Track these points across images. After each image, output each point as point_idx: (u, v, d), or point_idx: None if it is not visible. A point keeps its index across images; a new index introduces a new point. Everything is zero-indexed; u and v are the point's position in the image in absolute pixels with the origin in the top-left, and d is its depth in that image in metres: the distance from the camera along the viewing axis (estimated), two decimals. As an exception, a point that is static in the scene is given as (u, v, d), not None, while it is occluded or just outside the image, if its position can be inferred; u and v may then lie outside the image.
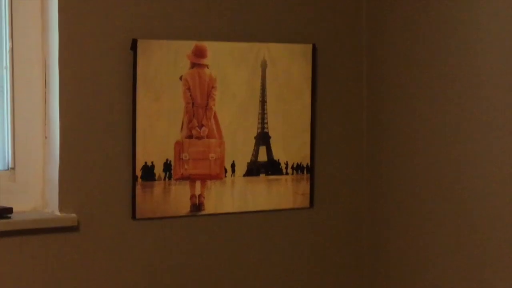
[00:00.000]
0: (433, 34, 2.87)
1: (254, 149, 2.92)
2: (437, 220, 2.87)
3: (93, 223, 2.66)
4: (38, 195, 2.68)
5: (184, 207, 2.80)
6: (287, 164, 2.97)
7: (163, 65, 2.74)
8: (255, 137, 2.92)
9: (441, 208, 2.85)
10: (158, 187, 2.75)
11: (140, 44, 2.69)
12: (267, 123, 2.93)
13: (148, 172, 2.73)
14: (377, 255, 3.10)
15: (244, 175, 2.90)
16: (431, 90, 2.88)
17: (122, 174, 2.70)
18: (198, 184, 2.82)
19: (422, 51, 2.90)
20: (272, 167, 2.95)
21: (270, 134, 2.94)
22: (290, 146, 2.98)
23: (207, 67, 2.82)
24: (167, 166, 2.77)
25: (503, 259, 2.66)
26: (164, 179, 2.76)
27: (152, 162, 2.74)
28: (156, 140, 2.74)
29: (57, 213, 2.62)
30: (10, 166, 2.66)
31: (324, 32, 3.04)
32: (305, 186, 3.00)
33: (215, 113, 2.84)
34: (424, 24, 2.90)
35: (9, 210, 2.56)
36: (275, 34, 2.94)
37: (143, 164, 2.72)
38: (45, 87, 2.67)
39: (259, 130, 2.93)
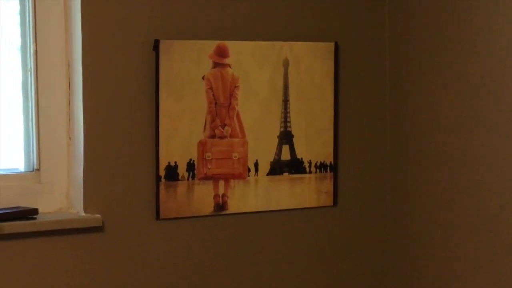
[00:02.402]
0: (457, 30, 2.85)
1: (277, 148, 2.92)
2: (463, 216, 2.85)
3: (118, 223, 2.67)
4: (63, 196, 2.69)
5: (207, 206, 2.81)
6: (310, 163, 2.97)
7: (185, 65, 2.74)
8: (278, 136, 2.92)
9: (467, 202, 2.83)
10: (181, 187, 2.76)
11: (162, 45, 2.70)
12: (289, 122, 2.93)
13: (172, 172, 2.74)
14: (401, 253, 3.08)
15: (268, 174, 2.90)
16: (456, 87, 2.86)
17: (145, 174, 2.71)
18: (221, 183, 2.83)
19: (446, 47, 2.89)
20: (295, 166, 2.95)
21: (293, 132, 2.94)
22: (313, 144, 2.97)
23: (230, 67, 2.82)
24: (190, 166, 2.78)
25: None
26: (188, 179, 2.77)
27: (175, 162, 2.75)
28: (179, 140, 2.75)
29: (82, 213, 2.64)
30: (35, 167, 2.69)
31: (346, 30, 3.03)
32: (328, 184, 3.00)
33: (238, 113, 2.85)
34: (447, 20, 2.88)
35: (35, 211, 2.58)
36: (297, 32, 2.93)
37: (167, 164, 2.73)
38: (69, 89, 2.69)
39: (282, 129, 2.93)
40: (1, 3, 2.63)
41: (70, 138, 2.70)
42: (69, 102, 2.69)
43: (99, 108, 2.65)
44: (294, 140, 2.94)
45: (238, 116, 2.85)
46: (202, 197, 2.80)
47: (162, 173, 2.73)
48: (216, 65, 2.80)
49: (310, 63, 2.94)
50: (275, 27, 2.90)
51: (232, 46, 2.81)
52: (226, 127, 2.83)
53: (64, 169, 2.69)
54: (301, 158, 2.96)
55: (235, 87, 2.84)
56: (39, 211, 2.60)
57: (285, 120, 2.93)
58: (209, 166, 2.81)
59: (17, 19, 2.66)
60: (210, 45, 2.78)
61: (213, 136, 2.81)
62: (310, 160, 2.97)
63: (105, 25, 2.64)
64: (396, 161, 3.09)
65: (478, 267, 2.80)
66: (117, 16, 2.65)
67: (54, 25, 2.66)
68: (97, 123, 2.64)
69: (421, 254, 3.01)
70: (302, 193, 2.96)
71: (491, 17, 2.73)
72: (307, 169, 2.97)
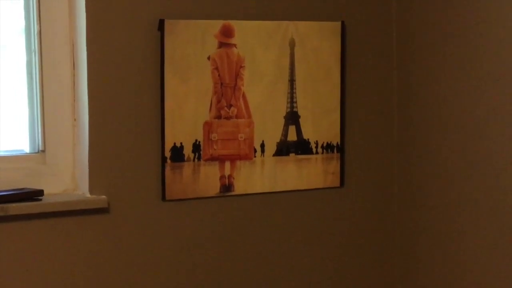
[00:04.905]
0: (466, 11, 2.81)
1: (283, 129, 2.91)
2: (469, 199, 2.83)
3: (123, 204, 2.67)
4: (68, 177, 2.69)
5: (213, 188, 2.80)
6: (317, 143, 2.95)
7: (190, 45, 2.72)
8: (284, 117, 2.90)
9: (474, 186, 2.81)
10: (187, 168, 2.75)
11: (167, 25, 2.68)
12: (296, 102, 2.91)
13: (177, 153, 2.73)
14: (408, 234, 3.07)
15: (274, 155, 2.89)
16: (465, 67, 2.83)
17: (151, 155, 2.70)
18: (227, 164, 2.82)
19: (455, 26, 2.86)
20: (301, 147, 2.93)
21: (299, 113, 2.92)
22: (320, 125, 2.95)
23: (235, 47, 2.80)
24: (196, 147, 2.76)
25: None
26: (193, 160, 2.76)
27: (181, 143, 2.74)
28: (185, 121, 2.73)
29: (88, 195, 2.63)
30: (40, 148, 2.68)
31: (353, 9, 3.00)
32: (335, 165, 2.98)
33: (243, 93, 2.83)
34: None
35: (40, 193, 2.58)
36: (303, 12, 2.91)
37: (172, 145, 2.72)
38: (74, 70, 2.67)
39: (288, 110, 2.91)
40: (4, -17, 2.62)
41: (75, 119, 2.68)
42: (74, 83, 2.67)
43: (104, 89, 2.63)
44: (301, 120, 2.93)
45: (244, 96, 2.83)
46: (208, 178, 2.79)
47: (167, 154, 2.71)
48: (221, 45, 2.78)
49: (316, 43, 2.92)
50: (281, 6, 2.87)
51: (238, 25, 2.79)
52: (232, 108, 2.81)
53: (70, 150, 2.68)
54: (308, 139, 2.94)
55: (241, 67, 2.82)
56: (45, 192, 2.59)
57: (292, 100, 2.91)
58: (215, 147, 2.79)
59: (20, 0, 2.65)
60: (216, 25, 2.76)
61: (219, 117, 2.79)
62: (316, 141, 2.95)
63: (110, 5, 2.62)
64: (403, 141, 3.07)
65: (485, 247, 2.79)
66: (121, -4, 2.64)
67: (58, 5, 2.64)
68: (102, 104, 2.63)
69: (428, 235, 2.99)
70: (309, 174, 2.95)
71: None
72: (314, 150, 2.95)
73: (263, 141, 2.87)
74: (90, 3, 2.59)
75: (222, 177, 2.81)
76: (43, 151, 2.67)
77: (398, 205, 3.10)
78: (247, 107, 2.84)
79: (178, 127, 2.72)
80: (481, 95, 2.77)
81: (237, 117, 2.82)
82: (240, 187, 2.84)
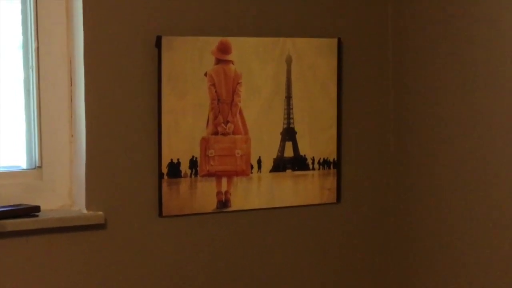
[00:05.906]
0: (461, 26, 2.83)
1: (280, 145, 2.91)
2: (465, 215, 2.83)
3: (120, 220, 2.67)
4: (65, 194, 2.69)
5: (210, 204, 2.80)
6: (313, 160, 2.96)
7: (187, 61, 2.73)
8: (281, 133, 2.91)
9: (470, 201, 2.82)
10: (184, 184, 2.75)
11: (165, 41, 2.69)
12: (292, 118, 2.92)
13: (174, 169, 2.73)
14: (404, 250, 3.07)
15: (271, 171, 2.89)
16: (460, 84, 2.84)
17: (148, 171, 2.70)
18: (224, 180, 2.82)
19: (450, 43, 2.87)
20: (298, 163, 2.94)
21: (296, 129, 2.93)
22: (317, 141, 2.96)
23: (232, 63, 2.81)
24: (193, 163, 2.77)
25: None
26: (190, 176, 2.76)
27: (178, 159, 2.74)
28: (182, 137, 2.74)
29: (84, 211, 2.63)
30: (37, 164, 2.68)
31: (350, 26, 3.01)
32: (332, 181, 2.99)
33: (240, 109, 2.83)
34: (452, 15, 2.86)
35: (37, 209, 2.58)
36: (300, 28, 2.92)
37: (169, 161, 2.73)
38: (71, 86, 2.68)
39: (285, 126, 2.91)
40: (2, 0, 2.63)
41: (72, 135, 2.69)
42: (71, 99, 2.68)
43: (101, 105, 2.64)
44: (297, 136, 2.93)
45: (240, 112, 2.84)
46: (205, 194, 2.79)
47: (164, 170, 2.72)
48: (218, 61, 2.79)
49: (313, 60, 2.93)
50: (277, 23, 2.89)
51: (235, 42, 2.80)
52: (229, 124, 2.82)
53: (66, 166, 2.68)
54: (304, 155, 2.95)
55: (238, 83, 2.82)
56: (41, 208, 2.59)
57: (288, 116, 2.92)
58: (212, 163, 2.80)
59: (18, 16, 2.65)
60: (213, 42, 2.77)
61: (215, 133, 2.80)
62: (313, 157, 2.96)
63: (107, 21, 2.63)
64: (399, 157, 3.08)
65: (481, 265, 2.79)
66: (119, 13, 2.64)
67: (55, 22, 2.65)
68: (99, 120, 2.64)
69: (424, 251, 2.99)
70: (306, 190, 2.95)
71: (496, 12, 2.71)
72: (310, 166, 2.95)
73: (259, 157, 2.88)
74: (88, 19, 2.60)
75: (219, 193, 2.82)
76: (40, 167, 2.67)
77: (395, 221, 3.10)
78: (244, 123, 2.84)
79: (175, 143, 2.73)
80: (479, 109, 2.78)
81: (234, 133, 2.83)
82: (237, 203, 2.84)
